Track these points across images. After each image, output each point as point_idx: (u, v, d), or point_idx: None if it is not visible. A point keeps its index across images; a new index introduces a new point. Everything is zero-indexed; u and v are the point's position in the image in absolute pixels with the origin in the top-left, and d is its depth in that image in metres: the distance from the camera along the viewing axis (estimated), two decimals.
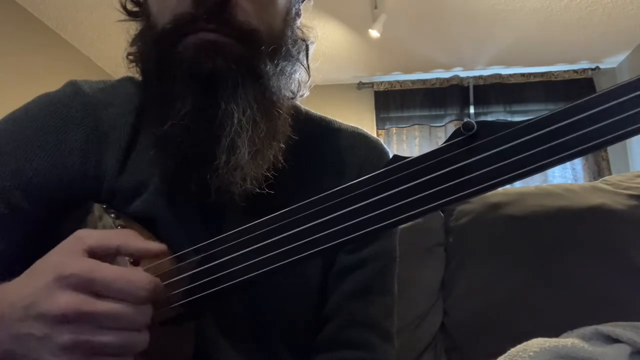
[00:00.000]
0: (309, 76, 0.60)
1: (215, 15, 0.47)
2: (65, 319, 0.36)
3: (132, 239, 0.42)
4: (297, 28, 0.59)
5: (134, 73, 0.57)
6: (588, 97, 0.31)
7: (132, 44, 0.55)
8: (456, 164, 0.34)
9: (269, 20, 0.52)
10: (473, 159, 0.34)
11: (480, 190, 0.34)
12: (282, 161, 0.54)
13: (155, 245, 0.43)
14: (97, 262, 0.38)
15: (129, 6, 0.57)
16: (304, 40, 0.59)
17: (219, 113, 0.48)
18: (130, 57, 0.55)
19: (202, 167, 0.49)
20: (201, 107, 0.48)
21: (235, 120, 0.48)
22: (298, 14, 0.59)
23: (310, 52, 0.60)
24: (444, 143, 0.36)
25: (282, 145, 0.55)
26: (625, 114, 0.29)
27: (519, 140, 0.33)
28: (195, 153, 0.49)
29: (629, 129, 0.29)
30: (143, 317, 0.39)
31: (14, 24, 2.64)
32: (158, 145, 0.51)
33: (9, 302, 0.38)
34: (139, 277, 0.38)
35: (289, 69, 0.54)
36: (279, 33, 0.53)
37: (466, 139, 0.35)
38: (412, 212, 0.35)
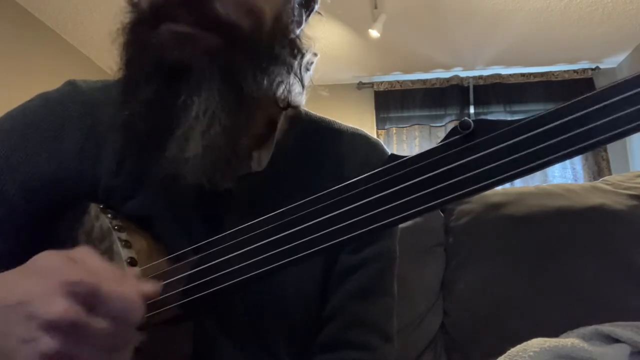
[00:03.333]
0: (304, 87, 0.58)
1: (195, 5, 0.47)
2: (56, 327, 0.34)
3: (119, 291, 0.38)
4: (296, 37, 0.57)
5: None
6: (585, 95, 0.30)
7: (120, 32, 0.53)
8: (453, 162, 0.34)
9: (254, 18, 0.50)
10: (470, 157, 0.34)
11: (478, 189, 0.33)
12: (276, 160, 0.53)
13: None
14: (104, 275, 0.37)
15: None
16: (299, 49, 0.57)
17: (178, 104, 0.47)
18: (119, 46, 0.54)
19: (153, 155, 0.48)
20: (161, 97, 0.47)
21: (193, 114, 0.47)
22: (297, 22, 0.57)
23: (310, 63, 0.58)
24: (441, 142, 0.36)
25: (273, 144, 0.54)
26: (623, 112, 0.29)
27: (516, 139, 0.32)
28: (149, 141, 0.48)
29: (626, 127, 0.28)
30: (129, 340, 0.38)
31: (14, 24, 2.64)
32: (117, 128, 0.50)
33: None
34: (137, 300, 0.38)
35: (274, 71, 0.52)
36: (265, 34, 0.51)
37: (463, 138, 0.34)
38: (409, 212, 0.35)
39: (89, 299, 0.35)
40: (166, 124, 0.47)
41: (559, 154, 0.31)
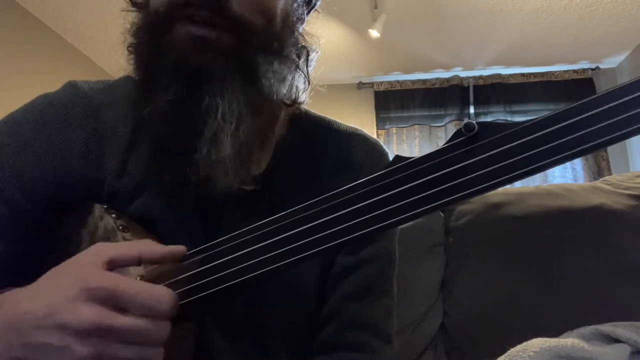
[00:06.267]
0: (309, 83, 0.59)
1: (213, 5, 0.47)
2: (88, 332, 0.35)
3: (151, 245, 0.42)
4: (299, 34, 0.57)
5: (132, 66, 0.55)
6: (588, 98, 0.31)
7: (129, 32, 0.53)
8: (457, 164, 0.35)
9: (266, 17, 0.51)
10: (474, 159, 0.34)
11: (481, 190, 0.34)
12: (275, 160, 0.53)
13: (176, 247, 0.43)
14: (121, 276, 0.38)
15: None
16: (304, 46, 0.58)
17: (202, 106, 0.47)
18: (130, 48, 0.54)
19: (180, 158, 0.48)
20: (184, 99, 0.47)
21: (220, 115, 0.47)
22: (300, 19, 0.58)
23: (312, 60, 0.59)
24: (445, 144, 0.36)
25: (273, 144, 0.54)
26: (625, 115, 0.29)
27: (519, 141, 0.33)
28: (174, 144, 0.48)
29: (628, 129, 0.29)
30: (162, 333, 0.39)
31: (14, 24, 2.64)
32: (136, 130, 0.50)
33: (23, 310, 0.38)
34: (160, 292, 0.38)
35: (284, 69, 0.53)
36: (276, 32, 0.52)
37: (467, 140, 0.35)
38: (413, 212, 0.35)
39: (112, 300, 0.37)
40: (190, 126, 0.47)
41: (562, 155, 0.31)
